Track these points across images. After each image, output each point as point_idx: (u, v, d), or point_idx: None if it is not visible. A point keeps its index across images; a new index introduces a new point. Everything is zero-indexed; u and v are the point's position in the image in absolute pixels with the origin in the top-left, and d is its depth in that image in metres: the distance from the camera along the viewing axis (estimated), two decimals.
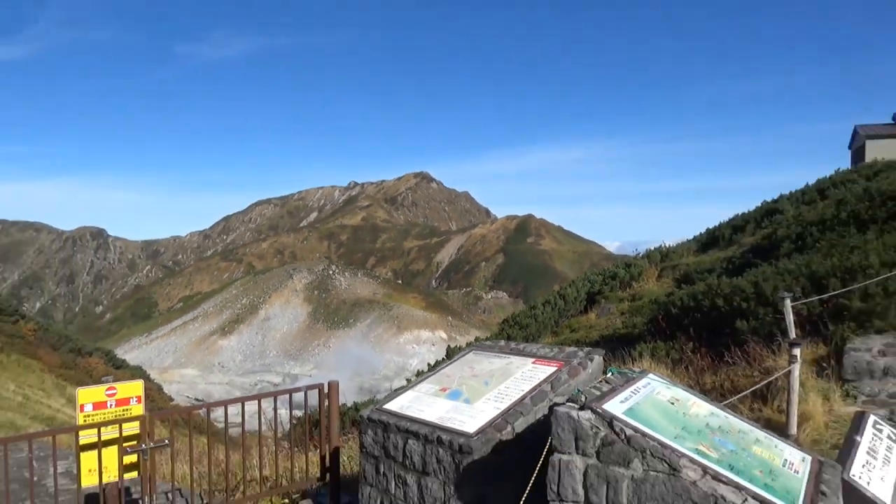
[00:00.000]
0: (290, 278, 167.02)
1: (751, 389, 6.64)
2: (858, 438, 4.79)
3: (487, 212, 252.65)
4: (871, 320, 8.36)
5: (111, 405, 5.62)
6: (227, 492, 6.44)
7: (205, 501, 6.31)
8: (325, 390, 6.40)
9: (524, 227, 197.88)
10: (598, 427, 3.53)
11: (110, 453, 5.56)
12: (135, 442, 5.58)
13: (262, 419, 6.44)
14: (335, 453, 6.38)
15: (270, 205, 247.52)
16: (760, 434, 4.10)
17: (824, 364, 7.78)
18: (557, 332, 19.48)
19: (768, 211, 20.67)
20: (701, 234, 24.92)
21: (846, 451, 4.67)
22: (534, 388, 4.92)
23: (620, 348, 11.95)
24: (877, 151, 32.80)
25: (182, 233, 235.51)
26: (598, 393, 3.89)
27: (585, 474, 3.56)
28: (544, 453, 3.67)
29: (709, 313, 11.18)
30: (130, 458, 5.63)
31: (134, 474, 5.70)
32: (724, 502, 3.18)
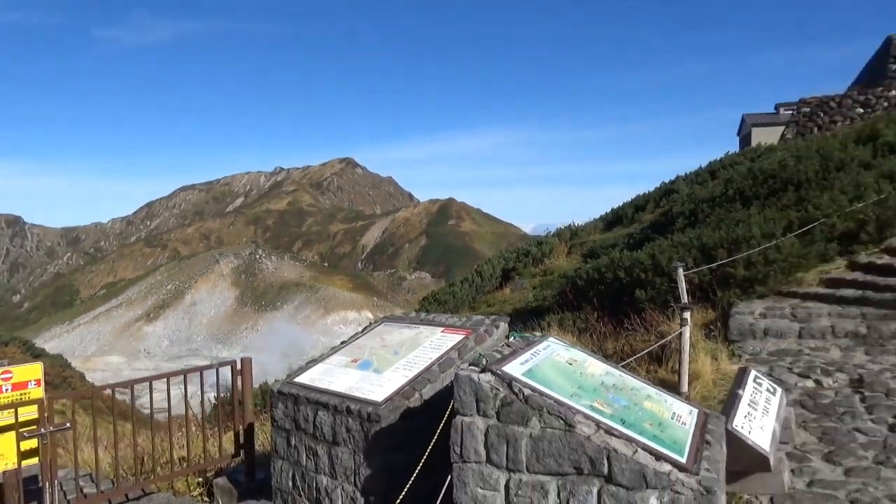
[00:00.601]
0: (217, 263, 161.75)
1: (645, 351, 6.81)
2: (740, 392, 4.94)
3: (410, 196, 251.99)
4: (754, 286, 8.73)
5: (6, 389, 5.15)
6: (137, 474, 6.09)
7: (115, 485, 5.93)
8: (238, 367, 6.11)
9: (445, 210, 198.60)
10: (497, 388, 3.46)
11: (8, 439, 5.11)
12: (34, 427, 5.14)
13: (187, 399, 6.10)
14: (249, 429, 6.11)
15: (195, 190, 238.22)
16: (652, 390, 4.15)
17: (713, 327, 8.07)
18: (475, 308, 19.58)
19: (666, 191, 21.40)
20: (606, 213, 25.58)
21: (730, 403, 4.81)
22: (441, 356, 4.82)
23: (531, 320, 12.10)
24: (761, 137, 34.60)
25: (104, 219, 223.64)
26: (499, 356, 3.82)
27: (486, 434, 3.49)
28: (445, 416, 3.57)
29: (611, 285, 11.43)
30: (30, 444, 5.19)
31: (35, 460, 5.27)
32: (615, 454, 3.17)
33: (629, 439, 3.27)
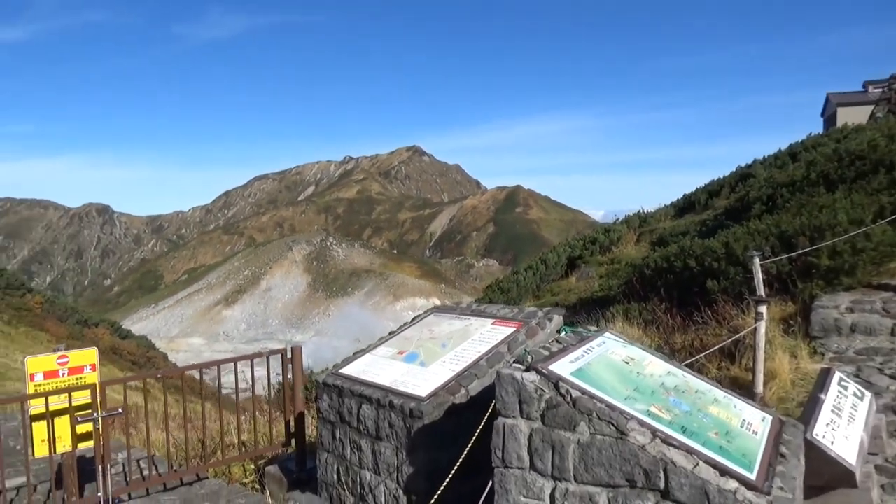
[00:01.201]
0: (290, 250, 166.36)
1: (716, 347, 6.32)
2: (823, 396, 4.46)
3: (478, 183, 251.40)
4: (839, 278, 8.02)
5: (63, 374, 5.23)
6: (194, 458, 6.10)
7: (170, 469, 5.97)
8: (289, 356, 6.02)
9: (513, 197, 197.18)
10: (542, 389, 3.16)
11: (64, 423, 5.19)
12: (88, 411, 5.20)
13: (237, 387, 6.09)
14: (300, 418, 6.02)
15: (269, 179, 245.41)
16: (719, 394, 3.75)
17: (792, 322, 7.46)
18: (539, 296, 19.17)
19: (742, 175, 20.26)
20: (678, 199, 24.51)
21: (810, 409, 4.34)
22: (490, 350, 4.56)
23: (596, 310, 11.63)
24: (847, 117, 32.36)
25: (185, 208, 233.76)
26: (546, 353, 3.52)
27: (530, 439, 3.20)
28: (486, 417, 3.31)
29: (681, 274, 10.83)
30: (86, 427, 5.26)
31: (90, 443, 5.34)
32: (673, 467, 2.83)
33: (690, 450, 2.91)
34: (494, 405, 3.30)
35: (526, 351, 3.43)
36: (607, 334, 4.13)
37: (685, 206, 23.16)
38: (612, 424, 2.98)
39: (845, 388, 4.69)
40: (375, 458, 4.44)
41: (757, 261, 8.05)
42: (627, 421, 2.98)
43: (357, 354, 5.29)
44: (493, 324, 4.99)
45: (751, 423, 3.48)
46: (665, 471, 2.85)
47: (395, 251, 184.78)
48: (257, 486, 6.15)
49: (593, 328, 4.28)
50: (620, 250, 20.24)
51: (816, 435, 3.96)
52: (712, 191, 21.73)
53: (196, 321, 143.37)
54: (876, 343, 6.68)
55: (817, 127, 40.42)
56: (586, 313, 11.65)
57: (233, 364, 5.90)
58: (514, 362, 3.41)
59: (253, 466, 6.30)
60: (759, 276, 8.11)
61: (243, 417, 7.05)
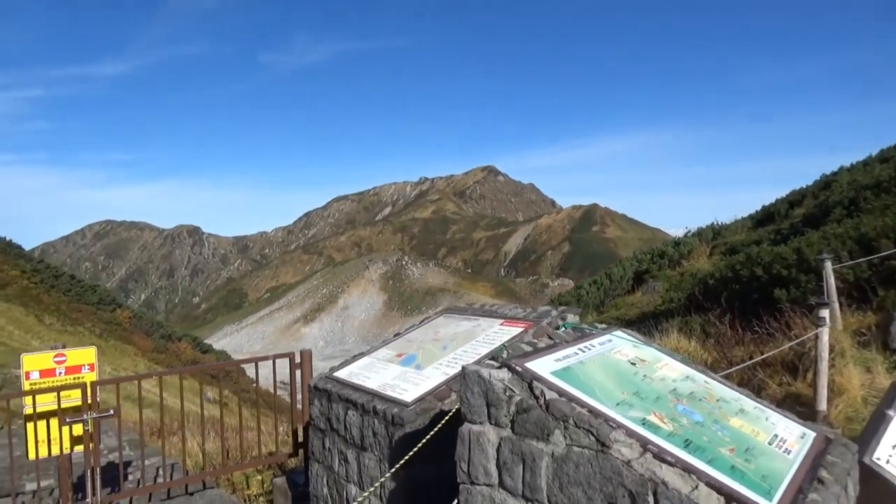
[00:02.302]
0: (367, 269, 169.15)
1: (768, 354, 5.52)
2: (891, 413, 3.67)
3: (553, 202, 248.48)
4: None
5: (60, 373, 5.06)
6: (214, 465, 5.83)
7: (189, 473, 5.71)
8: (297, 360, 5.67)
9: (589, 216, 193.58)
10: (512, 390, 2.62)
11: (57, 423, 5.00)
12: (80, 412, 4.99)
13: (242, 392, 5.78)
14: (307, 427, 5.64)
15: (347, 200, 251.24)
16: (749, 404, 3.09)
17: (868, 333, 6.50)
18: (603, 311, 18.26)
19: (826, 183, 18.68)
20: (757, 211, 22.97)
21: (872, 428, 3.57)
22: (492, 352, 4.02)
23: (651, 324, 10.79)
24: None
25: (268, 228, 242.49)
26: (529, 349, 2.97)
27: (499, 450, 2.66)
28: (442, 422, 2.79)
29: (749, 284, 9.87)
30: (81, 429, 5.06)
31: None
32: (665, 489, 2.23)
33: (689, 469, 2.30)
34: (459, 409, 2.78)
35: (504, 346, 2.91)
36: (618, 332, 3.53)
37: (764, 217, 21.64)
38: (592, 434, 2.40)
39: None
40: (360, 471, 3.98)
41: (829, 264, 7.15)
42: (612, 430, 2.40)
43: (356, 357, 4.87)
44: (501, 324, 4.46)
45: (785, 439, 2.81)
46: (655, 493, 2.25)
47: (469, 270, 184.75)
48: (269, 499, 5.80)
49: (603, 326, 3.68)
50: (691, 264, 19.06)
51: (878, 459, 3.22)
52: (793, 201, 20.19)
53: (277, 338, 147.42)
54: None
55: None
56: (643, 327, 10.83)
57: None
58: (491, 359, 2.89)
59: (259, 478, 5.96)
60: (831, 281, 7.19)
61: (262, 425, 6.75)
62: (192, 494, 5.50)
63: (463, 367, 2.76)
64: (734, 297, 9.64)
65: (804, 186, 21.31)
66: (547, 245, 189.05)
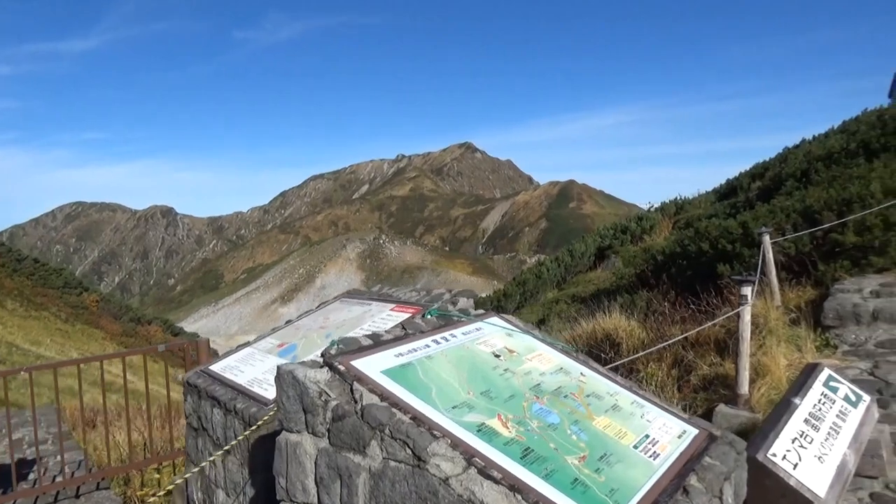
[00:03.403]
0: (344, 248, 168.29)
1: (684, 335, 5.22)
2: (797, 401, 3.37)
3: (530, 179, 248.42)
4: (868, 257, 6.73)
5: None
6: (129, 459, 5.40)
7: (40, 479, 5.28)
8: (195, 347, 5.25)
9: (566, 192, 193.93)
10: (328, 393, 2.24)
11: None
12: None
13: (126, 387, 5.36)
14: None
15: (324, 179, 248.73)
16: (626, 398, 2.74)
17: (804, 310, 6.23)
18: (563, 289, 18.03)
19: (786, 156, 18.52)
20: (721, 185, 22.82)
21: (774, 417, 3.26)
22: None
23: (604, 301, 10.51)
24: None
25: (244, 209, 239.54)
26: (368, 343, 2.58)
27: (317, 463, 2.28)
28: (254, 427, 2.40)
29: (697, 259, 9.61)
30: None
31: None
32: None
33: (516, 487, 1.93)
34: (274, 415, 2.39)
35: (334, 341, 2.51)
36: (494, 319, 3.16)
37: (727, 191, 21.49)
38: (408, 446, 2.03)
39: (834, 389, 3.57)
40: (225, 475, 3.60)
41: (767, 238, 6.86)
42: (433, 441, 2.02)
43: (239, 347, 4.46)
44: (391, 309, 4.08)
45: (657, 440, 2.47)
46: None
47: (447, 248, 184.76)
48: (168, 500, 5.40)
49: (479, 311, 3.31)
50: (653, 239, 18.87)
51: (773, 455, 2.90)
52: (755, 174, 20.01)
53: (254, 319, 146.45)
54: None
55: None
56: (592, 305, 10.56)
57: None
58: (321, 355, 2.50)
59: (157, 477, 5.55)
60: (769, 256, 6.92)
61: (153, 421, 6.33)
62: (79, 497, 5.09)
63: (278, 367, 2.37)
64: (681, 273, 9.38)
65: (767, 160, 21.16)
66: (524, 222, 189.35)
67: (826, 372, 3.68)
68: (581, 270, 19.20)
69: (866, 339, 5.44)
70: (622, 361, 5.52)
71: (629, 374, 6.11)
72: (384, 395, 2.20)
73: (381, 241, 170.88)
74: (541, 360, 2.86)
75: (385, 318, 3.97)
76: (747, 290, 4.75)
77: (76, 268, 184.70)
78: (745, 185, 20.11)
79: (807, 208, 7.85)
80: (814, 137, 20.13)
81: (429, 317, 3.03)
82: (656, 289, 9.74)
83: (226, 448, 3.31)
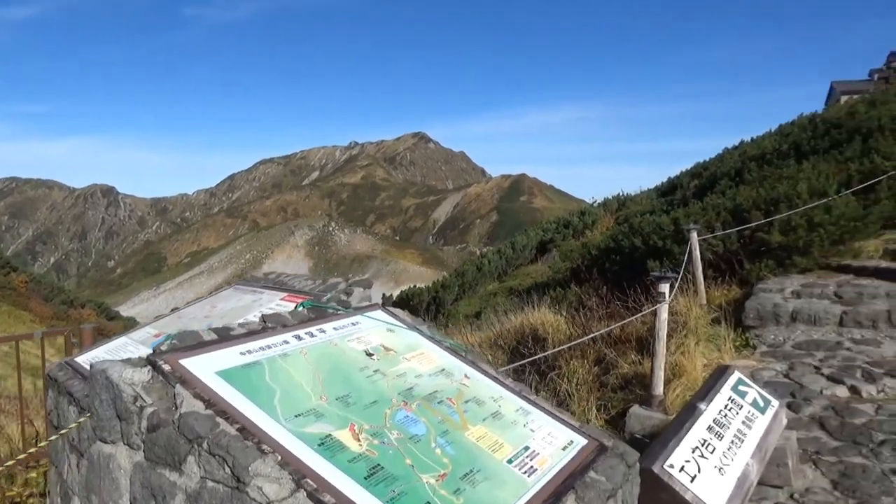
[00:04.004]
0: (292, 234, 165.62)
1: (599, 332, 5.05)
2: (702, 406, 3.17)
3: (483, 171, 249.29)
4: (792, 257, 6.70)
5: None
6: None
7: None
8: (77, 335, 4.77)
9: (517, 186, 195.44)
10: (143, 398, 1.88)
11: None
12: None
13: None
14: None
15: (274, 164, 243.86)
16: (512, 405, 2.47)
17: (726, 309, 6.14)
18: (504, 281, 17.91)
19: (725, 155, 18.81)
20: (662, 183, 23.10)
21: (676, 425, 3.05)
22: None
23: (534, 295, 10.36)
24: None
25: (189, 191, 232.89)
26: (213, 337, 2.23)
27: (132, 481, 1.93)
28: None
29: (630, 255, 9.52)
30: None
31: None
32: None
33: None
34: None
35: (169, 335, 2.16)
36: (376, 313, 2.85)
37: (668, 189, 21.75)
38: (227, 463, 1.69)
39: (742, 394, 3.40)
40: (80, 480, 3.19)
41: (694, 234, 6.76)
42: (256, 458, 1.70)
43: (119, 334, 4.03)
44: (282, 299, 3.73)
45: (537, 452, 2.20)
46: None
47: (397, 238, 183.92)
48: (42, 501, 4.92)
49: (364, 304, 2.99)
50: (594, 235, 18.93)
51: (670, 466, 2.68)
52: (695, 173, 20.28)
53: None
54: (820, 335, 5.35)
55: None
56: (526, 298, 10.40)
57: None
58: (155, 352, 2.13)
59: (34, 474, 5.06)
60: (696, 253, 6.82)
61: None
62: None
63: (91, 365, 2.01)
64: (614, 268, 9.28)
65: (707, 160, 21.48)
66: (475, 214, 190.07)
67: (735, 375, 3.51)
68: (522, 264, 19.12)
69: (784, 339, 5.36)
70: (540, 356, 5.31)
71: (551, 370, 5.92)
72: (211, 402, 1.86)
73: (331, 229, 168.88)
74: (421, 359, 2.56)
75: (274, 307, 3.61)
76: (665, 287, 4.59)
77: (8, 247, 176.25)
78: (684, 184, 20.38)
79: (736, 206, 7.80)
80: (752, 139, 20.54)
81: (300, 309, 2.69)
82: (587, 284, 9.64)
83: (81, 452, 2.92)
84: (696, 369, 4.76)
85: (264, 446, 1.76)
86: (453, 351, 2.75)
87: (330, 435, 1.90)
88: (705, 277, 7.03)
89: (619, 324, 5.14)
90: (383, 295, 18.00)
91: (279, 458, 1.73)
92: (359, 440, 1.92)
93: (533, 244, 19.35)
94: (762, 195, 7.54)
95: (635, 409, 4.51)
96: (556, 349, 5.11)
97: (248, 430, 1.80)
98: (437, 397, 2.32)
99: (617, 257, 9.58)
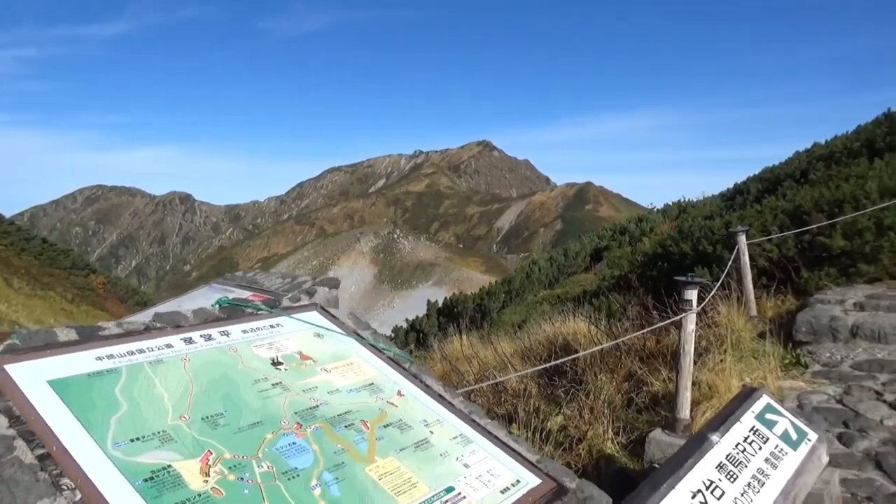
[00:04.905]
0: (358, 241, 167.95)
1: (614, 342, 4.47)
2: (715, 438, 2.59)
3: (547, 179, 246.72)
4: (857, 265, 5.88)
5: None
6: None
7: None
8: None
9: (583, 194, 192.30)
10: None
11: None
12: None
13: None
14: None
15: (341, 172, 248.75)
16: (450, 431, 1.99)
17: (777, 322, 5.41)
18: (554, 289, 17.24)
19: (794, 158, 17.55)
20: (728, 189, 21.87)
21: (678, 461, 2.48)
22: None
23: (577, 304, 9.74)
24: None
25: (261, 198, 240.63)
26: (70, 337, 1.85)
27: None
28: None
29: (680, 261, 8.79)
30: None
31: None
32: None
33: None
34: None
35: (15, 334, 1.79)
36: (309, 315, 2.42)
37: (734, 195, 20.54)
38: (2, 503, 1.30)
39: (770, 424, 2.78)
40: None
41: (742, 238, 6.05)
42: (43, 497, 1.29)
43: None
44: (249, 297, 3.36)
45: (462, 496, 1.71)
46: None
47: (461, 245, 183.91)
48: None
49: (301, 303, 2.57)
50: (652, 241, 18.03)
51: None
52: (763, 177, 19.06)
53: None
54: (885, 354, 4.57)
55: None
56: (569, 306, 9.79)
57: None
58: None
59: None
60: (744, 259, 6.10)
61: None
62: None
63: None
64: (661, 276, 8.57)
65: (775, 165, 20.18)
66: (539, 222, 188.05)
67: (764, 400, 2.89)
68: (575, 271, 18.38)
69: (842, 358, 4.61)
70: (554, 363, 4.78)
71: (578, 384, 5.36)
72: (20, 419, 1.47)
73: (395, 236, 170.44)
74: (346, 371, 2.11)
75: None
76: (691, 294, 3.97)
77: (94, 251, 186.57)
78: (750, 189, 19.19)
79: (795, 208, 7.01)
80: (827, 141, 19.14)
81: (214, 307, 2.29)
82: (631, 292, 8.97)
83: None
84: (729, 390, 4.11)
85: (65, 480, 1.35)
86: (396, 362, 2.29)
87: (168, 466, 1.47)
88: (757, 286, 6.29)
89: (638, 332, 4.55)
90: (428, 301, 17.60)
91: (78, 496, 1.32)
92: (207, 474, 1.48)
93: (587, 251, 18.59)
94: (825, 195, 6.72)
95: (656, 433, 3.92)
96: (566, 359, 4.56)
97: (52, 458, 1.39)
98: (347, 419, 1.86)
99: (665, 264, 8.86)
